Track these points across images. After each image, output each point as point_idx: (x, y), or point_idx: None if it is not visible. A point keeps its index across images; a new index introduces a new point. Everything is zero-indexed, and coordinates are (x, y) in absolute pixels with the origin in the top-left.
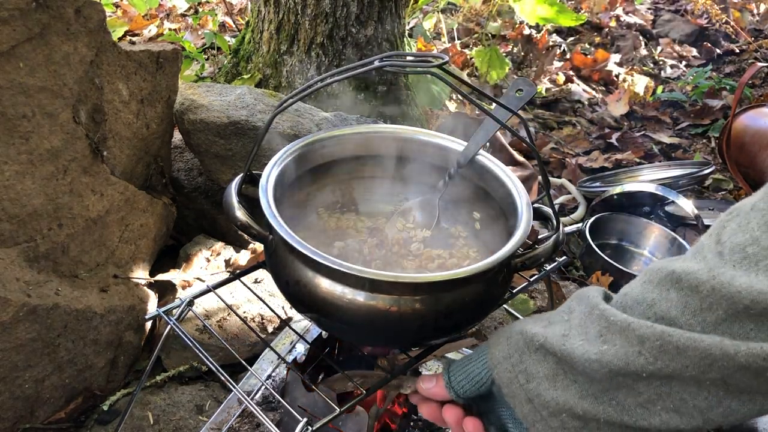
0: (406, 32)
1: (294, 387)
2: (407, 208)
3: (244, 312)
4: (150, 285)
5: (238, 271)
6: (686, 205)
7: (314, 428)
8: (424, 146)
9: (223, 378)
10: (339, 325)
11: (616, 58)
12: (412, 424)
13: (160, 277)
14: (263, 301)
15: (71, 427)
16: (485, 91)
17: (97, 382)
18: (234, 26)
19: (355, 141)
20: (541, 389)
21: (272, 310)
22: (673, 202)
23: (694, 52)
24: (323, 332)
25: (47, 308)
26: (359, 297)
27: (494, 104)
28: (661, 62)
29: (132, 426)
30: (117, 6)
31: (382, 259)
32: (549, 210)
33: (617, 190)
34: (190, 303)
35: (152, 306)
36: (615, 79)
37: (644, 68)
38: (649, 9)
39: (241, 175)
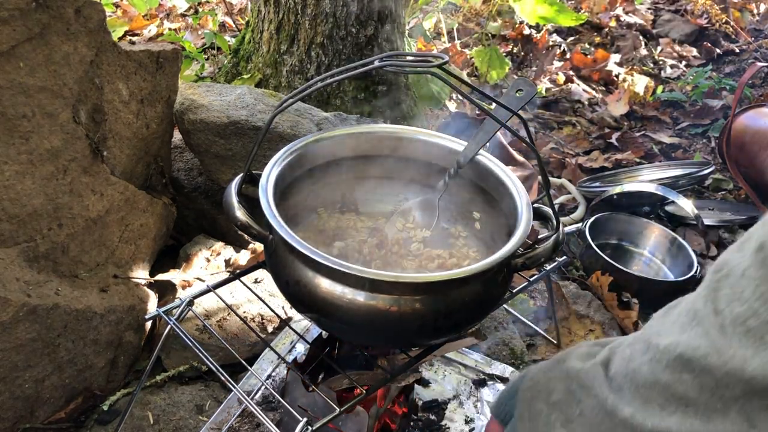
0: (406, 32)
1: (294, 387)
2: (407, 208)
3: (244, 312)
4: (150, 285)
5: (238, 271)
6: (686, 205)
7: (314, 428)
8: (424, 146)
9: (223, 378)
10: (339, 325)
11: (616, 58)
12: (412, 424)
13: (160, 277)
14: (263, 301)
15: (71, 427)
16: (485, 91)
17: (97, 382)
18: (234, 26)
19: (355, 141)
20: None
21: (272, 310)
22: (673, 202)
23: (694, 52)
24: (323, 332)
25: (47, 308)
26: (359, 297)
27: (494, 104)
28: (661, 62)
29: (132, 426)
30: (117, 6)
31: (382, 259)
32: (549, 210)
33: (617, 190)
34: (190, 303)
35: (152, 306)
36: (615, 79)
37: (644, 68)
38: (649, 9)
39: (241, 175)
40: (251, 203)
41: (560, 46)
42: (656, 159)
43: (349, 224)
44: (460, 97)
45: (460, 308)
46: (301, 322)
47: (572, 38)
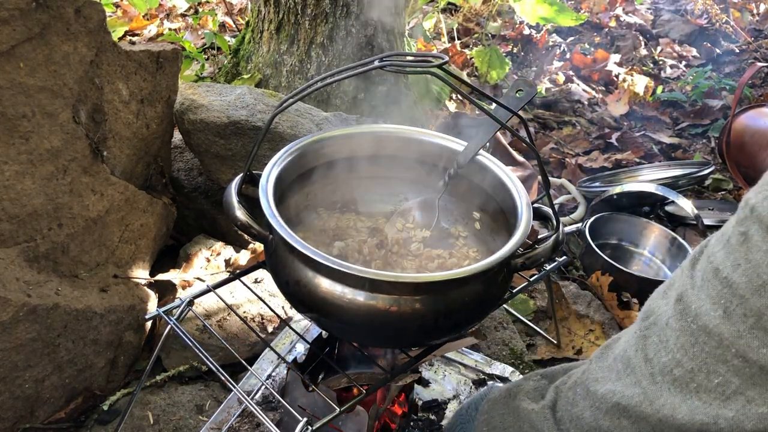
0: (406, 32)
1: (294, 387)
2: (407, 208)
3: (244, 312)
4: (150, 285)
5: (238, 271)
6: (686, 205)
7: (314, 428)
8: (424, 146)
9: (223, 378)
10: (339, 325)
11: (616, 58)
12: (412, 424)
13: (160, 277)
14: (263, 301)
15: (71, 427)
16: (485, 91)
17: (97, 382)
18: (234, 26)
19: (355, 141)
20: None
21: (272, 310)
22: (673, 202)
23: (694, 52)
24: (323, 332)
25: (47, 308)
26: (359, 297)
27: (494, 104)
28: (661, 62)
29: (132, 426)
30: (117, 6)
31: (382, 259)
32: (549, 210)
33: (617, 190)
34: (190, 303)
35: (152, 306)
36: (615, 79)
37: (644, 68)
38: (649, 9)
39: (241, 175)
40: (251, 203)
41: (560, 46)
42: (656, 159)
43: (349, 224)
44: (460, 97)
45: (460, 308)
46: (301, 322)
47: (572, 38)
